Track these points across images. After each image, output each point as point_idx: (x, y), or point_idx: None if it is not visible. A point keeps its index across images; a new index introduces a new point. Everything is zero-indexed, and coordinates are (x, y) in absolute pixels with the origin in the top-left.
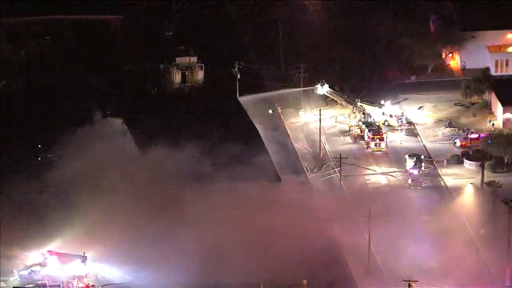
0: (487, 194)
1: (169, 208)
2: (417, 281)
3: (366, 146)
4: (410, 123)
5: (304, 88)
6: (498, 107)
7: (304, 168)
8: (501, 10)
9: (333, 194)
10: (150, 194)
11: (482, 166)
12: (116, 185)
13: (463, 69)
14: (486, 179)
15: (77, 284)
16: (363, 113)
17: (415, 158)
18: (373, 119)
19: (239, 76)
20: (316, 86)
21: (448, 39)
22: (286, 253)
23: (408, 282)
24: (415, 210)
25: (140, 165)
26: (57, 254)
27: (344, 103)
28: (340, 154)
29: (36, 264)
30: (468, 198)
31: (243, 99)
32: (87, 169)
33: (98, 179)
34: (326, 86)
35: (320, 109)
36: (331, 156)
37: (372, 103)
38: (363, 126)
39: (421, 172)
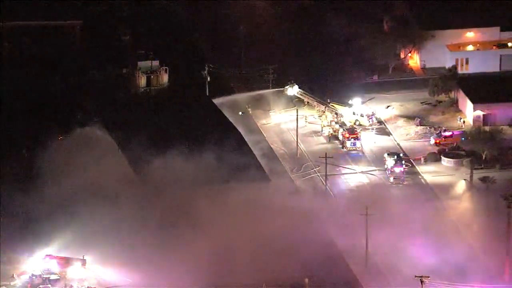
0: (482, 190)
1: (167, 210)
2: (428, 276)
3: (341, 146)
4: (380, 122)
5: (274, 90)
6: (467, 105)
7: (286, 169)
8: (459, 9)
9: (321, 194)
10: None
11: (471, 163)
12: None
13: (423, 68)
14: (464, 176)
15: (78, 287)
16: (336, 113)
17: (395, 156)
18: (344, 119)
19: (209, 79)
20: (286, 87)
21: (407, 39)
22: (288, 252)
23: (420, 278)
24: (413, 208)
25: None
26: (56, 258)
27: (315, 103)
28: (326, 153)
29: (36, 269)
30: (465, 194)
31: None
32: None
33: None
34: (296, 87)
35: (297, 109)
36: (308, 157)
37: (341, 103)
38: (337, 126)
39: (403, 170)
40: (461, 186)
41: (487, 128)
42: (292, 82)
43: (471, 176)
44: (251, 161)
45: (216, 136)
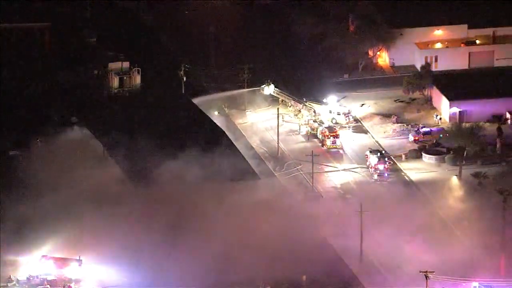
0: (475, 185)
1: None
2: (433, 271)
3: (321, 144)
4: (357, 120)
5: (250, 89)
6: (442, 102)
7: (270, 168)
8: (426, 7)
9: (308, 192)
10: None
11: (460, 159)
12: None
13: (392, 66)
14: (447, 172)
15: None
16: (314, 111)
17: (378, 153)
18: (322, 118)
19: (185, 79)
20: (263, 86)
21: (375, 38)
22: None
23: (424, 273)
24: (407, 204)
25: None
26: (53, 258)
27: (292, 102)
28: (312, 151)
29: (33, 270)
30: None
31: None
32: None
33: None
34: (272, 86)
35: (278, 109)
36: (289, 155)
37: (317, 101)
38: (315, 125)
39: (387, 167)
40: (454, 182)
41: (467, 124)
42: (268, 81)
43: (460, 172)
44: (238, 160)
45: (200, 135)
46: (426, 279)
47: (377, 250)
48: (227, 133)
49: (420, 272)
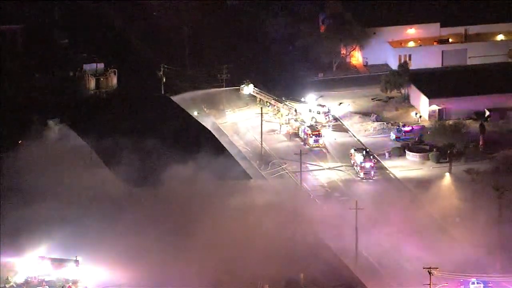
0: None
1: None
2: (437, 268)
3: (304, 143)
4: (336, 119)
5: (230, 88)
6: (420, 100)
7: (256, 167)
8: (399, 6)
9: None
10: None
11: (450, 157)
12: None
13: (366, 65)
14: (433, 170)
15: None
16: (295, 110)
17: (364, 152)
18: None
19: (164, 79)
20: (242, 86)
21: (349, 37)
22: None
23: (428, 269)
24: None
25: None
26: (49, 259)
27: (272, 101)
28: (301, 150)
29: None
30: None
31: None
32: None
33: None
34: (252, 85)
35: (261, 108)
36: (274, 155)
37: (296, 101)
38: (296, 124)
39: (373, 165)
40: (447, 179)
41: (451, 121)
42: (248, 81)
43: (450, 169)
44: (228, 160)
45: (188, 135)
46: (430, 275)
47: (378, 249)
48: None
49: (424, 268)
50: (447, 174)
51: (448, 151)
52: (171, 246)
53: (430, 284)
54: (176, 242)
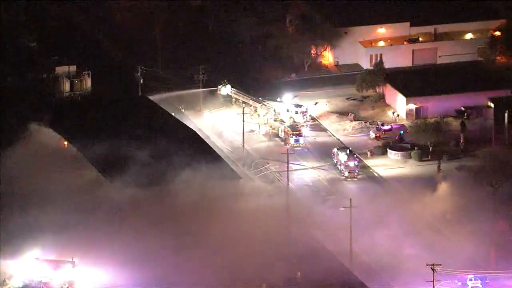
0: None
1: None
2: (440, 264)
3: (284, 143)
4: (314, 118)
5: (207, 89)
6: (397, 99)
7: (240, 167)
8: (368, 6)
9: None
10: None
11: (438, 155)
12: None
13: (337, 65)
14: (416, 168)
15: None
16: (274, 111)
17: (347, 150)
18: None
19: (142, 81)
20: (220, 86)
21: (318, 37)
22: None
23: (431, 266)
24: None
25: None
26: (45, 261)
27: (251, 101)
28: (287, 149)
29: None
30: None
31: None
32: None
33: None
34: (229, 86)
35: (243, 109)
36: (256, 155)
37: (273, 100)
38: (276, 124)
39: (357, 164)
40: (438, 177)
41: (432, 119)
42: (225, 81)
43: (439, 167)
44: (216, 160)
45: (174, 135)
46: (433, 272)
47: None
48: None
49: (427, 265)
50: (437, 172)
51: (431, 149)
52: (171, 248)
53: (433, 281)
54: (176, 243)
